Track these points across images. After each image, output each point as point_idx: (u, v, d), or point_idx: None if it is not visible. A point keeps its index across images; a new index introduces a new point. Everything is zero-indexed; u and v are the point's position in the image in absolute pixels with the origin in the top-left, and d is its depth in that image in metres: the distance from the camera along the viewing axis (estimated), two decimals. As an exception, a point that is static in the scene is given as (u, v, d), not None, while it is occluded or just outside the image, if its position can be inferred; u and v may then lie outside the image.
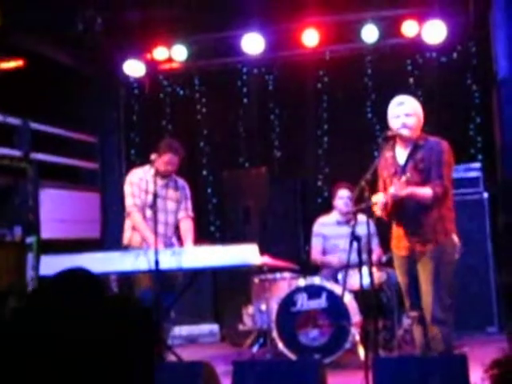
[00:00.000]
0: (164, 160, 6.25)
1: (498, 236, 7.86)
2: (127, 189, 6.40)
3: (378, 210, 5.14)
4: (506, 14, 7.37)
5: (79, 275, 1.60)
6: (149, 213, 6.20)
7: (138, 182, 6.36)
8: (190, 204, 6.58)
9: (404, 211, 5.17)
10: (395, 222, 5.33)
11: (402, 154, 5.30)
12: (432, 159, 5.17)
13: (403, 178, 5.00)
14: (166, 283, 5.88)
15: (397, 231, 5.33)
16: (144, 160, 6.63)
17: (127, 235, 6.36)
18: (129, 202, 6.36)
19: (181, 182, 6.60)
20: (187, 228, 6.43)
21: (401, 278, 5.36)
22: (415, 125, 5.24)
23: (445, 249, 5.14)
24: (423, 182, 5.13)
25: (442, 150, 5.22)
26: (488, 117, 8.49)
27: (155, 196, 5.91)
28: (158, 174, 6.20)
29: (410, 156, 5.24)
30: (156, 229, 5.75)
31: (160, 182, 6.20)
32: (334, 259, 7.17)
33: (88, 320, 1.48)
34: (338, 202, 7.39)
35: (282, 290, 6.90)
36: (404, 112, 5.24)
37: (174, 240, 6.43)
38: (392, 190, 5.06)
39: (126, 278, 7.77)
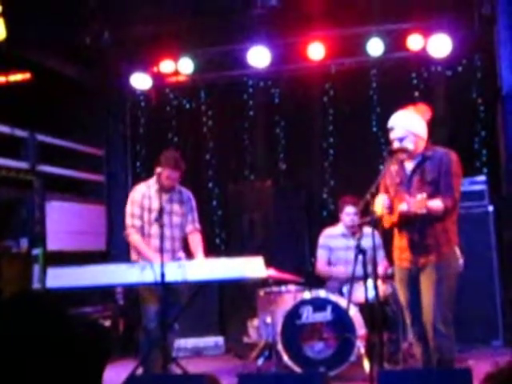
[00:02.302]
0: (163, 175, 6.22)
1: (503, 249, 7.86)
2: (128, 208, 6.36)
3: (379, 210, 5.06)
4: (510, 30, 7.40)
5: (28, 297, 1.62)
6: (154, 229, 6.20)
7: (140, 201, 6.31)
8: (196, 216, 6.55)
9: (409, 223, 5.14)
10: (399, 233, 5.31)
11: (409, 166, 5.28)
12: (441, 170, 5.13)
13: (418, 197, 4.91)
14: (171, 295, 5.90)
15: (400, 242, 5.30)
16: (150, 173, 6.63)
17: (134, 253, 6.37)
18: (128, 222, 6.33)
19: (186, 193, 6.55)
20: (196, 242, 6.43)
21: (402, 292, 5.31)
22: (413, 142, 5.17)
23: (448, 261, 5.11)
24: (433, 194, 5.09)
25: (451, 160, 5.17)
26: (493, 130, 8.52)
27: (161, 210, 5.91)
28: (161, 188, 6.21)
29: (417, 167, 5.22)
30: (162, 245, 5.74)
31: (164, 196, 6.17)
32: (341, 270, 7.19)
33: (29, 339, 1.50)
34: (345, 218, 7.41)
35: (287, 303, 6.90)
36: (396, 137, 5.20)
37: (182, 254, 6.42)
38: (404, 207, 5.01)
39: (133, 294, 7.79)
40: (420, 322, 5.18)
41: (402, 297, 5.32)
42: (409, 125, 5.20)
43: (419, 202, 4.88)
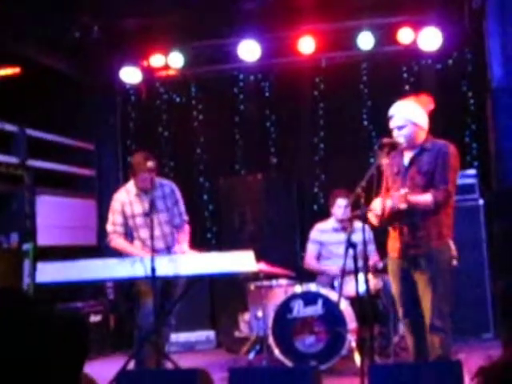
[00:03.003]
0: (138, 180, 6.23)
1: (493, 243, 7.88)
2: (109, 217, 6.36)
3: (372, 218, 5.12)
4: (499, 23, 7.41)
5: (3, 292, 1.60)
6: (143, 233, 6.20)
7: (121, 209, 6.30)
8: (182, 207, 6.51)
9: (400, 214, 5.14)
10: (392, 224, 5.31)
11: (407, 156, 5.27)
12: (437, 162, 5.11)
13: (402, 191, 4.95)
14: (169, 289, 5.92)
15: (393, 232, 5.30)
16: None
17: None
18: (109, 228, 6.33)
19: (168, 186, 6.50)
20: (183, 234, 6.44)
21: (394, 283, 5.31)
22: (411, 133, 5.18)
23: (439, 255, 5.09)
24: (426, 185, 5.10)
25: (449, 152, 5.17)
26: (483, 124, 8.52)
27: (151, 206, 5.89)
28: (139, 191, 6.23)
29: (415, 158, 5.22)
30: (153, 242, 5.75)
31: (145, 197, 6.18)
32: (333, 267, 7.18)
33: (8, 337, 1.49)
34: (337, 210, 7.41)
35: (278, 297, 6.90)
36: (395, 125, 5.21)
37: (178, 248, 6.42)
38: (389, 203, 5.03)
39: (124, 289, 7.78)
40: (411, 314, 5.19)
41: (394, 288, 5.32)
42: (409, 114, 5.21)
43: (400, 197, 4.91)
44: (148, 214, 5.90)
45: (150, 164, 6.08)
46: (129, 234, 6.35)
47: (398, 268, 5.23)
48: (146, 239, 6.16)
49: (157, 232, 6.13)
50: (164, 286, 5.85)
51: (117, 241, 6.27)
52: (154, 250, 5.69)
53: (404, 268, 5.19)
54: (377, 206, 5.08)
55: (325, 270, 7.31)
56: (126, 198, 6.32)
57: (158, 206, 6.31)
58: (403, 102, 5.33)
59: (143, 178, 6.16)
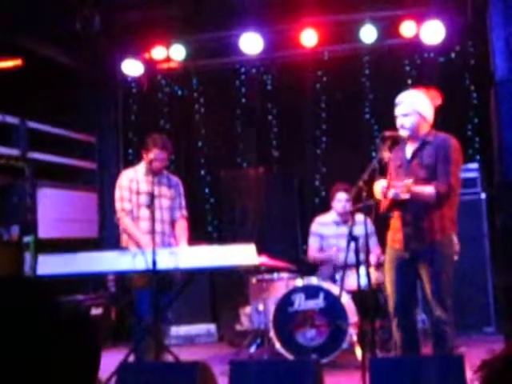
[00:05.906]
0: (150, 157, 6.18)
1: (495, 236, 7.87)
2: (116, 193, 6.34)
3: (378, 194, 5.10)
4: (503, 15, 7.37)
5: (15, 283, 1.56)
6: (143, 212, 6.18)
7: (128, 185, 6.29)
8: (183, 202, 6.52)
9: (404, 206, 5.13)
10: (394, 216, 5.30)
11: (410, 149, 5.27)
12: (439, 155, 5.11)
13: (405, 181, 4.94)
14: (163, 283, 5.87)
15: (395, 223, 5.29)
16: (141, 159, 6.60)
17: (124, 238, 6.34)
18: (117, 206, 6.31)
19: (174, 179, 6.53)
20: (182, 228, 6.41)
21: (389, 274, 5.26)
22: (415, 123, 5.18)
23: (442, 249, 5.08)
24: (428, 179, 5.09)
25: (450, 146, 5.16)
26: (486, 117, 8.49)
27: (152, 195, 5.88)
28: (148, 171, 6.19)
29: (417, 151, 5.22)
30: (154, 233, 5.73)
31: (152, 179, 6.15)
32: (332, 252, 7.19)
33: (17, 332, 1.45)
34: (337, 204, 7.41)
35: (279, 290, 6.90)
36: (400, 113, 5.21)
37: (173, 240, 6.39)
38: (392, 191, 5.02)
39: (123, 279, 7.77)
40: (402, 311, 5.17)
41: (388, 278, 5.28)
42: (415, 103, 5.21)
43: (403, 187, 4.91)
44: (152, 201, 5.87)
45: (167, 144, 6.21)
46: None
47: (398, 259, 5.21)
48: (142, 219, 6.18)
49: (156, 215, 6.10)
50: (160, 280, 5.80)
51: (125, 220, 6.24)
52: (152, 238, 5.69)
53: (406, 260, 5.17)
54: (379, 186, 5.05)
55: (329, 256, 7.29)
56: (134, 176, 6.33)
57: (162, 191, 6.35)
58: (412, 91, 5.33)
59: (156, 154, 6.15)
